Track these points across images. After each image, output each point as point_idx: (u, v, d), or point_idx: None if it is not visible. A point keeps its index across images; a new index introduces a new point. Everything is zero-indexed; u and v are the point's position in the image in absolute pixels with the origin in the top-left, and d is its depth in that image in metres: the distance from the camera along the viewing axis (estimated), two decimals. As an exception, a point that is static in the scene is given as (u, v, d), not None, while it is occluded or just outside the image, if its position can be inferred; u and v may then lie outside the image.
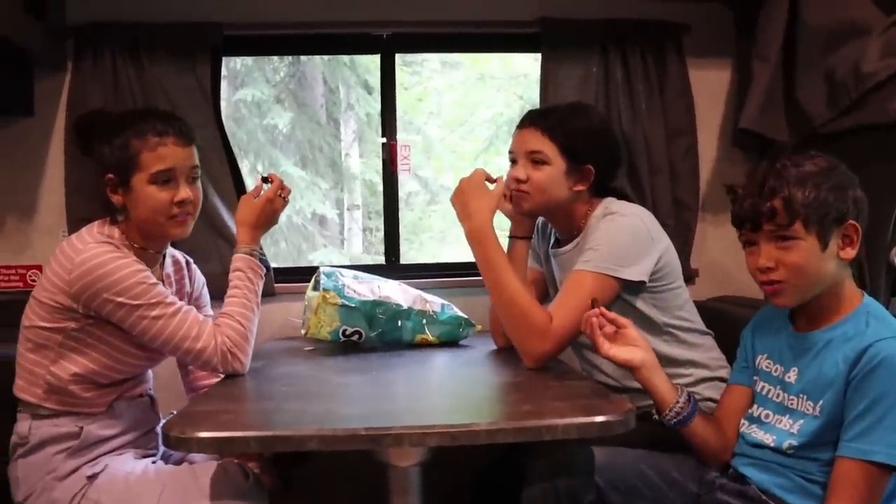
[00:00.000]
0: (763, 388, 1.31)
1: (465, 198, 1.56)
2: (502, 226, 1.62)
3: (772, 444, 1.23)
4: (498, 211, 1.59)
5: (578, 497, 1.26)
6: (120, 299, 1.36)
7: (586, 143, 1.60)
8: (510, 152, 1.66)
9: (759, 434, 1.27)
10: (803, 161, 1.20)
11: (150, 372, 1.61)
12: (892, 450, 1.08)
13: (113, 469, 1.41)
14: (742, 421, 1.33)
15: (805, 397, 1.21)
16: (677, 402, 1.31)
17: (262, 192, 1.62)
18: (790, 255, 1.18)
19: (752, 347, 1.37)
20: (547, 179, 1.59)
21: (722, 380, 1.57)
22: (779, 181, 1.18)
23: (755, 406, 1.32)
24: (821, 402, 1.18)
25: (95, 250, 1.37)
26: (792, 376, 1.25)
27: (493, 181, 1.59)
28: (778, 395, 1.27)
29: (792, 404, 1.24)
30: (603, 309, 1.33)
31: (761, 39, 2.01)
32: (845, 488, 1.11)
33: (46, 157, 2.14)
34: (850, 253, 1.19)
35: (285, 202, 1.64)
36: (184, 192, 1.46)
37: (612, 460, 1.32)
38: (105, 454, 1.44)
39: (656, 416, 1.36)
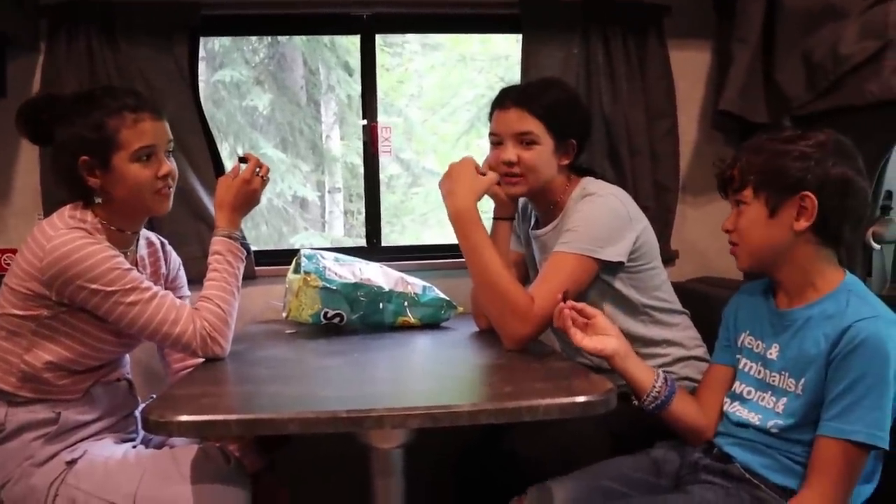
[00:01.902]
0: (745, 364, 1.33)
1: (454, 180, 1.55)
2: (484, 207, 1.61)
3: (757, 423, 1.24)
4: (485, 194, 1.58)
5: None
6: (94, 286, 1.34)
7: (569, 117, 1.61)
8: (492, 134, 1.63)
9: (743, 413, 1.28)
10: (777, 131, 1.25)
11: (127, 356, 1.60)
12: (872, 429, 1.10)
13: (92, 454, 1.40)
14: (725, 399, 1.34)
15: (787, 374, 1.23)
16: (654, 386, 1.32)
17: (240, 173, 1.59)
18: (741, 219, 1.25)
19: (734, 324, 1.39)
20: (538, 159, 1.58)
21: (698, 359, 1.60)
22: (742, 150, 1.26)
23: (737, 383, 1.33)
24: (802, 379, 1.19)
25: (67, 236, 1.35)
26: (773, 353, 1.26)
27: (482, 173, 1.57)
28: (759, 371, 1.29)
29: (774, 381, 1.25)
30: (572, 302, 1.34)
31: (741, 22, 2.02)
32: (825, 467, 1.13)
33: (21, 138, 2.09)
34: (803, 224, 1.19)
35: (264, 181, 1.60)
36: (166, 167, 1.46)
37: (573, 491, 1.32)
38: (84, 439, 1.43)
39: (635, 402, 1.37)
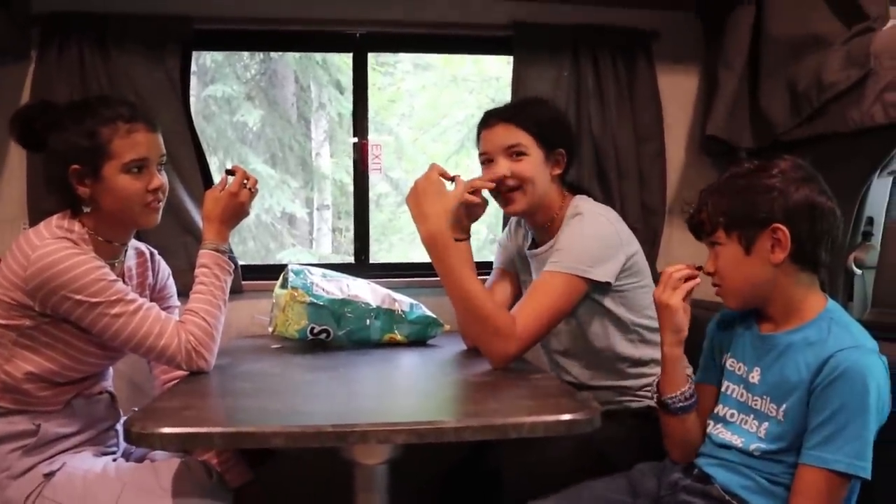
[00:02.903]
0: (728, 387, 1.33)
1: (420, 199, 1.51)
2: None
3: (739, 446, 1.25)
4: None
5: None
6: (78, 297, 1.33)
7: (554, 128, 1.62)
8: (482, 154, 1.65)
9: (726, 435, 1.28)
10: (736, 168, 1.26)
11: (110, 369, 1.58)
12: (852, 459, 1.10)
13: (71, 467, 1.38)
14: (708, 421, 1.34)
15: (768, 399, 1.23)
16: (689, 387, 1.33)
17: (228, 186, 1.57)
18: (718, 260, 1.26)
19: (718, 344, 1.39)
20: (531, 168, 1.58)
21: (684, 380, 1.60)
22: (706, 194, 1.27)
23: (720, 405, 1.33)
24: (783, 406, 1.20)
25: (52, 246, 1.34)
26: (755, 376, 1.27)
27: (450, 178, 1.55)
28: (742, 394, 1.29)
29: (756, 405, 1.26)
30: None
31: (728, 48, 2.06)
32: (807, 495, 1.14)
33: (8, 147, 2.09)
34: (780, 256, 1.19)
35: (252, 193, 1.58)
36: (157, 180, 1.44)
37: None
38: (63, 452, 1.41)
39: (656, 397, 1.35)
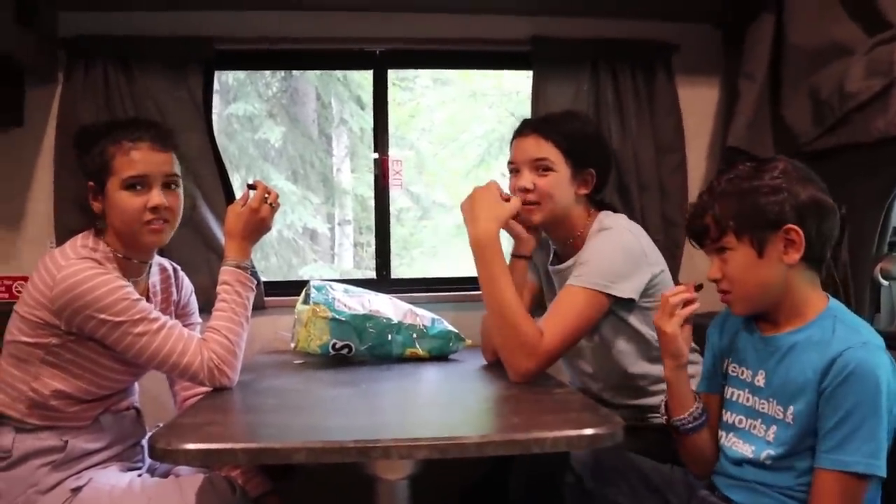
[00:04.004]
0: (732, 393, 1.31)
1: (477, 205, 1.54)
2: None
3: (751, 456, 1.23)
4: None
5: (556, 479, 1.28)
6: (102, 316, 1.35)
7: (587, 147, 1.61)
8: (510, 163, 1.64)
9: (738, 446, 1.27)
10: (734, 170, 1.23)
11: (136, 385, 1.60)
12: (870, 459, 1.09)
13: (97, 482, 1.39)
14: (720, 432, 1.33)
15: (774, 402, 1.22)
16: (697, 407, 1.31)
17: (249, 201, 1.57)
18: (729, 266, 1.22)
19: (718, 350, 1.37)
20: (554, 185, 1.58)
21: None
22: (709, 198, 1.23)
23: (726, 412, 1.32)
24: (791, 408, 1.18)
25: (77, 266, 1.36)
26: (760, 380, 1.25)
27: (506, 199, 1.57)
28: (748, 399, 1.28)
29: (763, 408, 1.24)
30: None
31: (748, 59, 2.05)
32: (825, 499, 1.12)
33: (35, 167, 2.14)
34: (794, 257, 1.18)
35: (274, 208, 1.58)
36: (156, 199, 1.43)
37: (595, 452, 1.33)
38: (90, 467, 1.42)
39: (665, 418, 1.35)
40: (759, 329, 1.29)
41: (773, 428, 1.21)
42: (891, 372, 1.12)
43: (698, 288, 1.31)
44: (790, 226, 1.17)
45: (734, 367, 1.32)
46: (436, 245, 5.69)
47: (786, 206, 1.17)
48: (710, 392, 1.37)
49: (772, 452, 1.20)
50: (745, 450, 1.25)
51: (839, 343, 1.14)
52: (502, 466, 1.71)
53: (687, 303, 1.29)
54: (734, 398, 1.31)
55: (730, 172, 1.24)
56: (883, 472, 1.10)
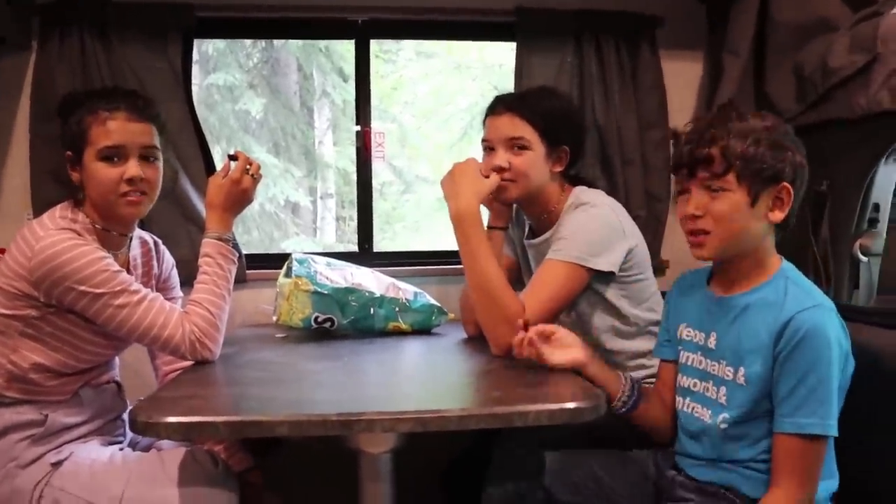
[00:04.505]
0: (686, 357, 1.33)
1: (456, 179, 1.55)
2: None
3: (709, 422, 1.25)
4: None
5: (527, 499, 1.32)
6: (82, 288, 1.33)
7: (562, 125, 1.61)
8: (484, 140, 1.64)
9: (697, 410, 1.28)
10: (749, 116, 1.22)
11: (116, 359, 1.59)
12: (825, 420, 1.12)
13: (78, 456, 1.39)
14: (677, 398, 1.35)
15: (724, 363, 1.23)
16: (623, 391, 1.34)
17: (230, 172, 1.55)
18: (718, 204, 1.19)
19: (673, 317, 1.39)
20: (529, 164, 1.58)
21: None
22: (721, 130, 1.19)
23: (681, 377, 1.34)
24: (742, 369, 1.20)
25: (56, 237, 1.34)
26: (712, 341, 1.27)
27: (486, 176, 1.57)
28: (701, 361, 1.30)
29: (713, 370, 1.26)
30: (530, 328, 1.33)
31: (732, 34, 2.04)
32: (788, 463, 1.15)
33: (10, 138, 2.09)
34: (779, 216, 1.19)
35: (256, 179, 1.55)
36: (133, 170, 1.41)
37: (563, 463, 1.36)
38: (70, 441, 1.42)
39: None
40: (712, 291, 1.30)
41: (723, 389, 1.23)
42: (841, 333, 1.16)
43: (525, 324, 1.35)
44: (786, 184, 1.18)
45: (689, 331, 1.34)
46: (418, 219, 5.67)
47: (787, 164, 1.18)
48: (667, 359, 1.40)
49: (727, 415, 1.22)
50: (703, 414, 1.27)
51: (792, 305, 1.16)
52: (484, 442, 1.73)
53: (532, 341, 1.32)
54: (688, 362, 1.33)
55: (746, 115, 1.21)
56: (835, 432, 1.13)
